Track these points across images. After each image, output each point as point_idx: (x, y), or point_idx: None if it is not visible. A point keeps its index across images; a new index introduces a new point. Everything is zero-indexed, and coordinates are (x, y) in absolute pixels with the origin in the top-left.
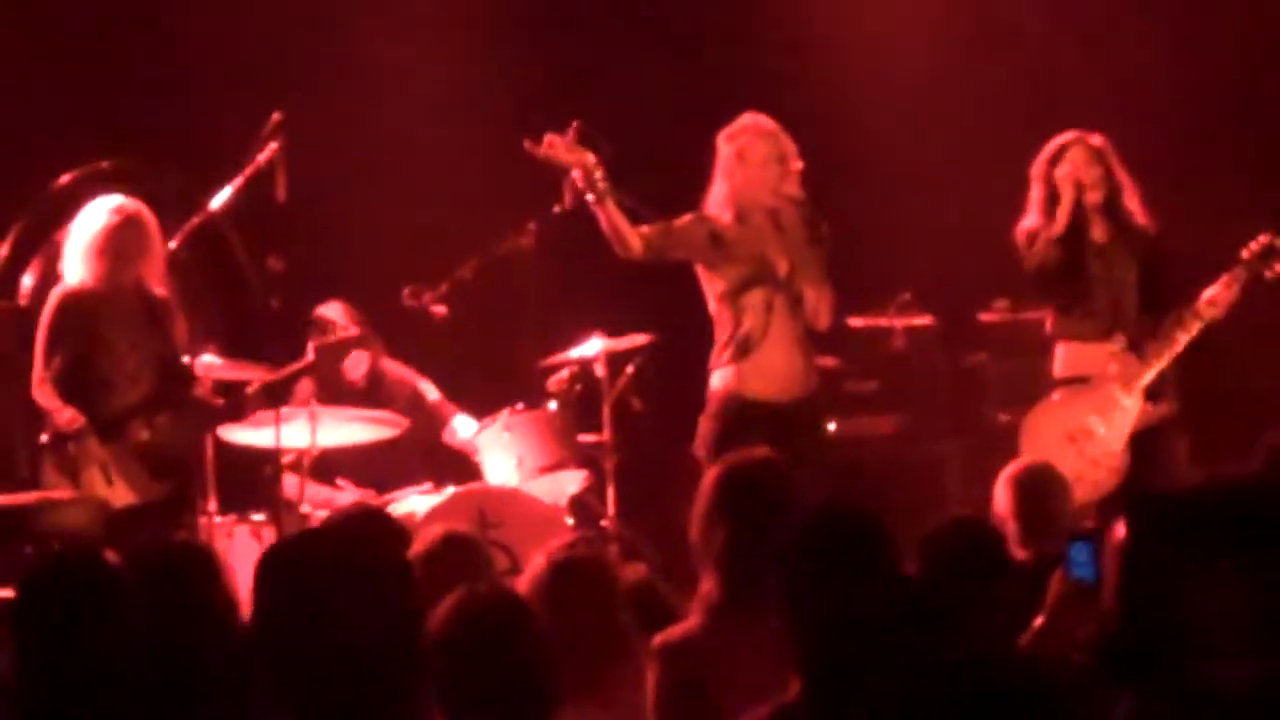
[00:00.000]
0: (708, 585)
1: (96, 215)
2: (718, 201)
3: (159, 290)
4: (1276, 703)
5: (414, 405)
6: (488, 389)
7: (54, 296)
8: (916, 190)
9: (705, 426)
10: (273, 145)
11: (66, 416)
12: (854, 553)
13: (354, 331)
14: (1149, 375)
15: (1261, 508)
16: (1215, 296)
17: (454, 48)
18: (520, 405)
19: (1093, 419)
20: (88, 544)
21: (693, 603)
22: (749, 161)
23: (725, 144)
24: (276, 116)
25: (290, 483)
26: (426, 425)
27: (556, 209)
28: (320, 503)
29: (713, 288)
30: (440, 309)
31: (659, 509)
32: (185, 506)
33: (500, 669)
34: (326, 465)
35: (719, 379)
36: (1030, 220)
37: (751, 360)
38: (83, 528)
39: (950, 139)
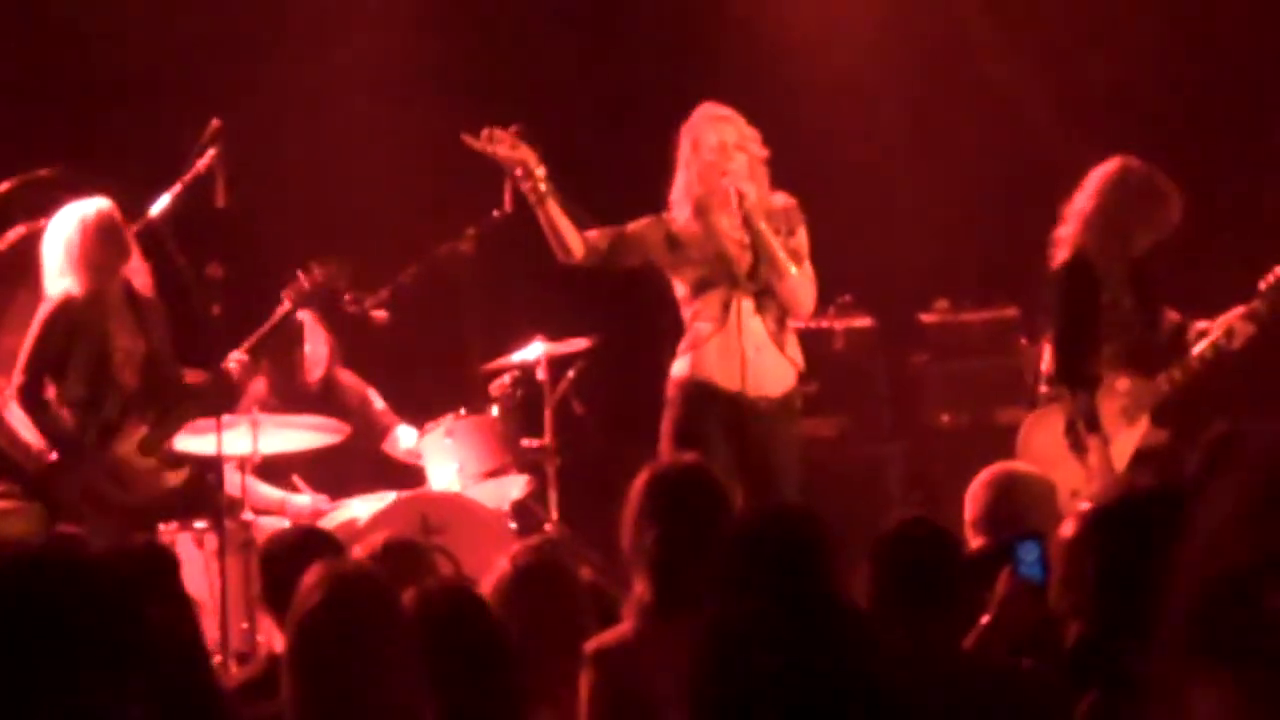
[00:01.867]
0: (640, 589)
1: (72, 222)
2: (678, 196)
3: (143, 289)
4: None
5: (364, 413)
6: (429, 394)
7: (49, 306)
8: (856, 191)
9: (665, 418)
10: (212, 151)
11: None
12: (789, 557)
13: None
14: (1162, 396)
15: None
16: (1234, 328)
17: (393, 54)
18: (462, 410)
19: (1102, 432)
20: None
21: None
22: (702, 150)
23: (683, 135)
24: (215, 123)
25: (234, 481)
26: (374, 433)
27: (496, 213)
28: (271, 506)
29: (676, 290)
30: (381, 314)
31: (601, 513)
32: (201, 503)
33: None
34: (279, 470)
35: (675, 369)
36: None
37: (706, 349)
38: (25, 537)
39: (890, 139)
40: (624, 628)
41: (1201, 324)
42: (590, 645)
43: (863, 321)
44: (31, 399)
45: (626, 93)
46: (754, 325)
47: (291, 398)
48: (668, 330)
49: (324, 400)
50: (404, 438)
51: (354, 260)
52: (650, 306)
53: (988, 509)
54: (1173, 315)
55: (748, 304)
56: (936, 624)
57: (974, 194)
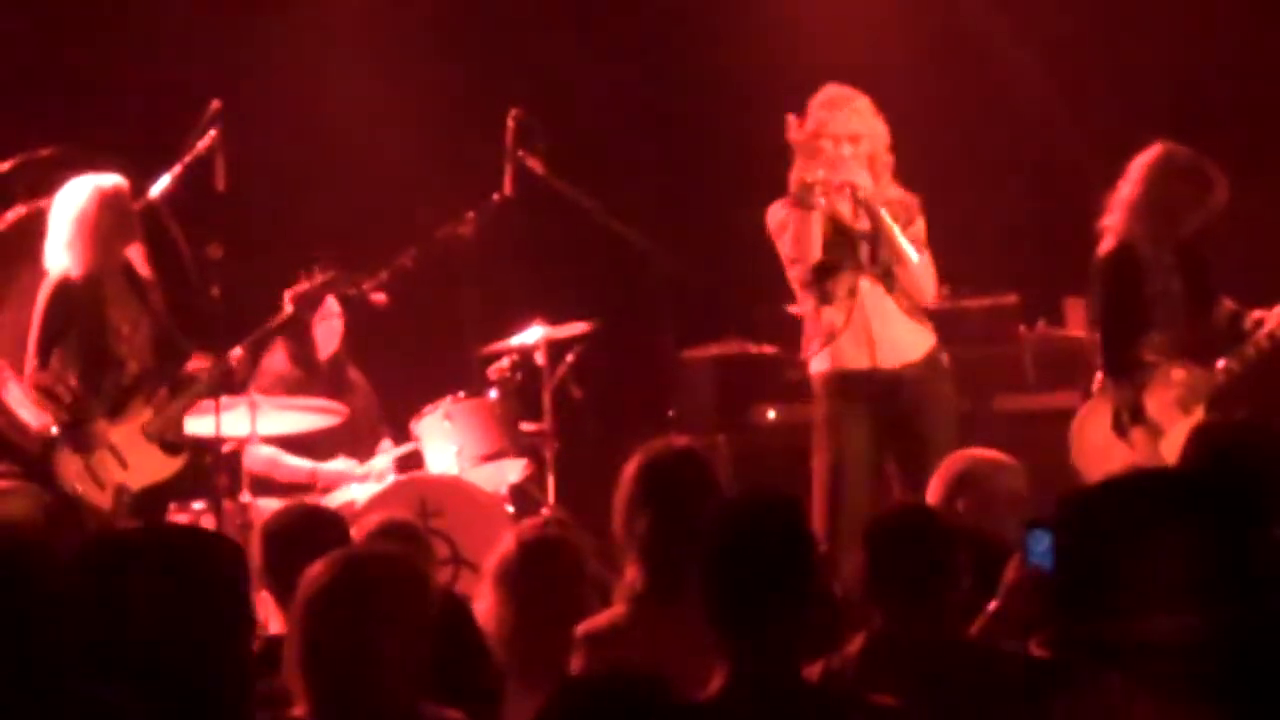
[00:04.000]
0: (631, 574)
1: (84, 194)
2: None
3: (143, 269)
4: (1215, 650)
5: (368, 405)
6: (428, 377)
7: (49, 285)
8: None
9: (815, 413)
10: (212, 133)
11: (40, 422)
12: (773, 544)
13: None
14: (1217, 386)
15: (1189, 479)
16: None
17: (394, 35)
18: (461, 393)
19: (1154, 425)
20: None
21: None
22: (822, 137)
23: (808, 116)
24: (215, 104)
25: (259, 456)
26: (369, 436)
27: (496, 197)
28: (300, 478)
29: (793, 273)
30: (380, 297)
31: (599, 497)
32: (204, 478)
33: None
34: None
35: (814, 365)
36: None
37: (841, 342)
38: (23, 517)
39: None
40: (616, 611)
41: (1258, 313)
42: (581, 628)
43: None
44: (43, 376)
45: (630, 88)
46: (884, 305)
47: (307, 368)
48: (666, 315)
49: (331, 382)
50: (378, 457)
51: (354, 253)
52: (649, 291)
53: (944, 498)
54: (1228, 304)
55: (874, 286)
56: (930, 610)
57: (975, 181)
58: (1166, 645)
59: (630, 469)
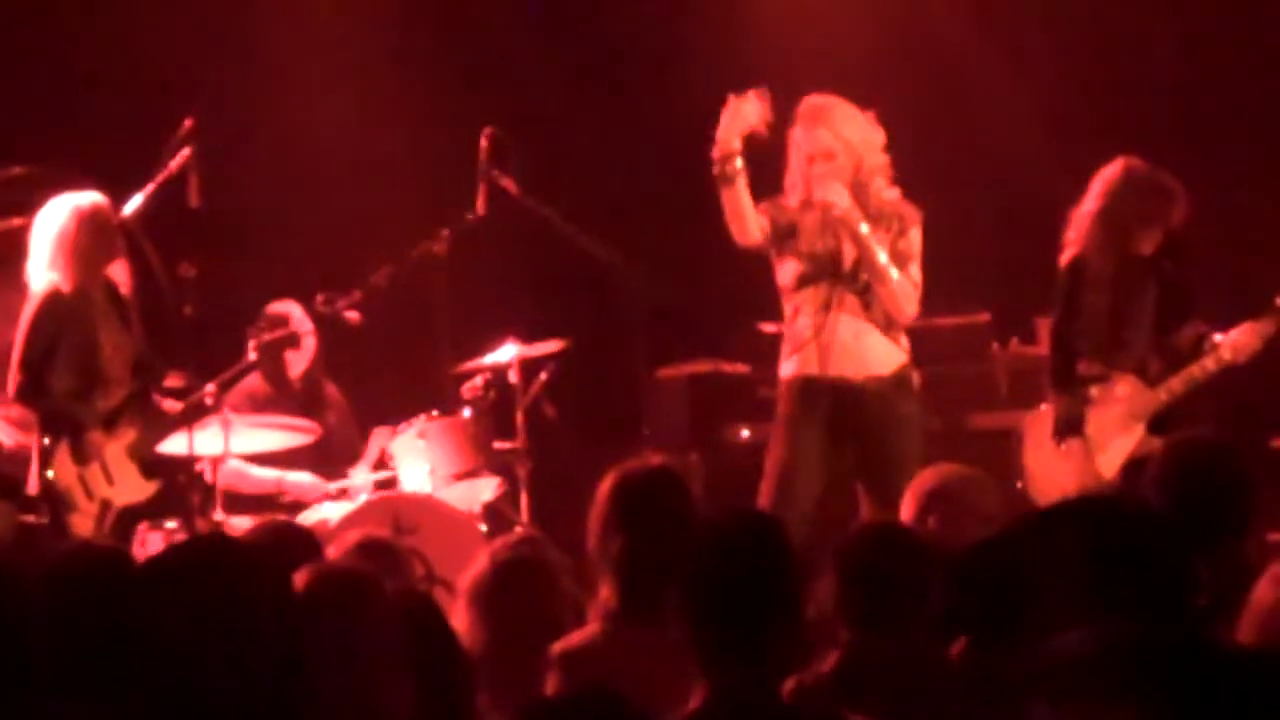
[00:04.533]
0: (605, 593)
1: (65, 213)
2: (790, 183)
3: (123, 289)
4: (1114, 658)
5: (344, 422)
6: (401, 395)
7: (37, 299)
8: None
9: (776, 417)
10: (185, 151)
11: (13, 441)
12: (757, 562)
13: (298, 329)
14: (1159, 404)
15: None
16: (1239, 342)
17: (367, 53)
18: (434, 412)
19: (1092, 440)
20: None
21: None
22: (793, 153)
23: (796, 123)
24: (189, 122)
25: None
26: (345, 454)
27: (469, 215)
28: (267, 487)
29: (779, 278)
30: (354, 315)
31: (573, 516)
32: (172, 503)
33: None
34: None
35: (783, 370)
36: None
37: (809, 350)
38: None
39: None
40: (590, 630)
41: (1219, 336)
42: (556, 648)
43: None
44: (32, 395)
45: (603, 107)
46: (857, 320)
47: (279, 386)
48: (639, 333)
49: (306, 399)
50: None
51: (328, 271)
52: (622, 309)
53: (917, 514)
54: (1198, 326)
55: (852, 300)
56: (902, 627)
57: (948, 200)
58: (1070, 661)
59: (604, 487)
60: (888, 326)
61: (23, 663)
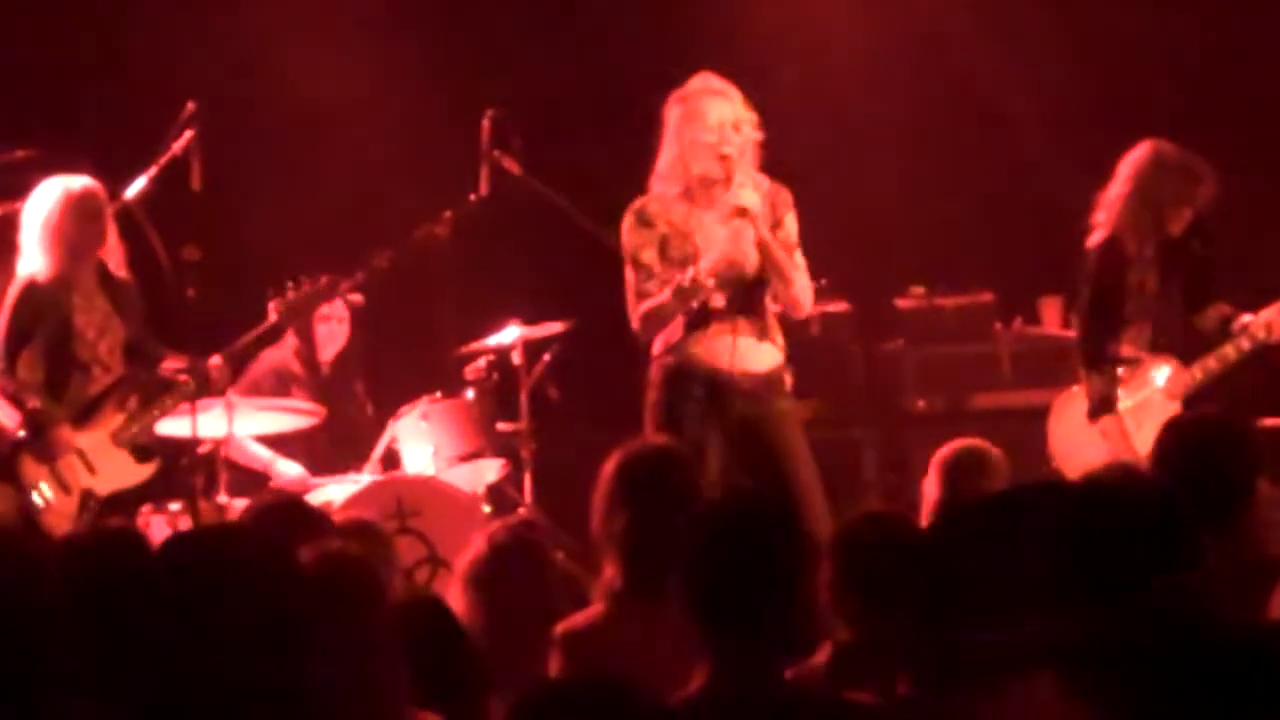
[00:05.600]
0: (609, 573)
1: (52, 198)
2: (665, 170)
3: (120, 272)
4: (1084, 650)
5: (362, 421)
6: (405, 377)
7: (15, 288)
8: (832, 176)
9: (646, 401)
10: (188, 134)
11: (14, 422)
12: (756, 543)
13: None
14: (1194, 383)
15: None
16: (1272, 320)
17: (370, 34)
18: (438, 394)
19: (1128, 418)
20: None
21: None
22: (697, 126)
23: (673, 104)
24: (191, 106)
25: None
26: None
27: (472, 197)
28: (257, 465)
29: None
30: (357, 298)
31: (576, 497)
32: (176, 486)
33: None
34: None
35: (655, 347)
36: None
37: (690, 338)
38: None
39: (867, 125)
40: (594, 610)
41: (1248, 317)
42: (560, 628)
43: (839, 306)
44: (9, 381)
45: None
46: (745, 317)
47: (310, 367)
48: None
49: (333, 386)
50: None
51: (331, 253)
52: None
53: (946, 489)
54: (1224, 307)
55: (738, 297)
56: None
57: (951, 180)
58: (1039, 648)
59: (608, 468)
60: (762, 318)
61: (32, 647)
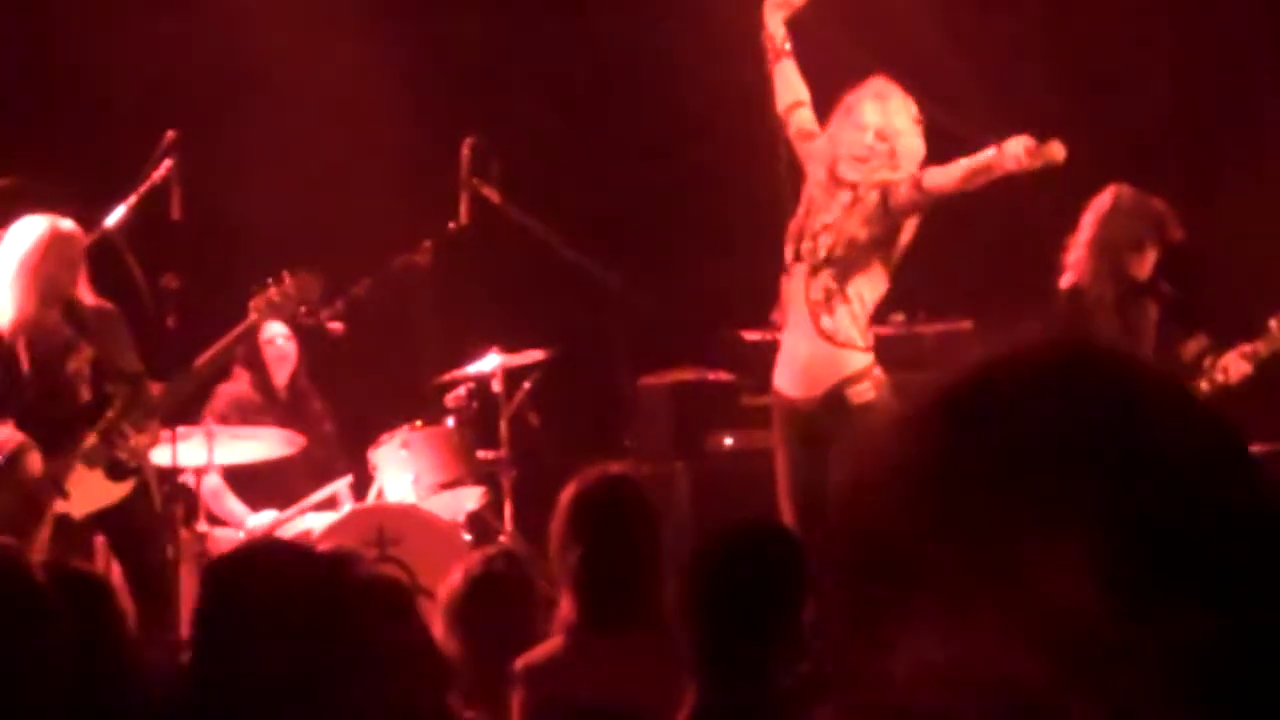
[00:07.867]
0: (564, 607)
1: (36, 236)
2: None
3: (89, 301)
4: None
5: (325, 438)
6: (385, 406)
7: None
8: None
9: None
10: (167, 163)
11: None
12: (759, 569)
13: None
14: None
15: None
16: (1229, 365)
17: (349, 63)
18: (418, 422)
19: None
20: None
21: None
22: (848, 121)
23: (848, 98)
24: (170, 134)
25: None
26: (327, 446)
27: (452, 225)
28: (231, 520)
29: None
30: (337, 326)
31: None
32: (151, 505)
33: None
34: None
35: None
36: None
37: (780, 355)
38: None
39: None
40: (553, 644)
41: (1225, 356)
42: (520, 661)
43: None
44: None
45: (586, 116)
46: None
47: (266, 395)
48: (623, 342)
49: (292, 410)
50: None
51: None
52: (604, 319)
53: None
54: (1202, 339)
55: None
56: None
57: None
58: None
59: (563, 498)
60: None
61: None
